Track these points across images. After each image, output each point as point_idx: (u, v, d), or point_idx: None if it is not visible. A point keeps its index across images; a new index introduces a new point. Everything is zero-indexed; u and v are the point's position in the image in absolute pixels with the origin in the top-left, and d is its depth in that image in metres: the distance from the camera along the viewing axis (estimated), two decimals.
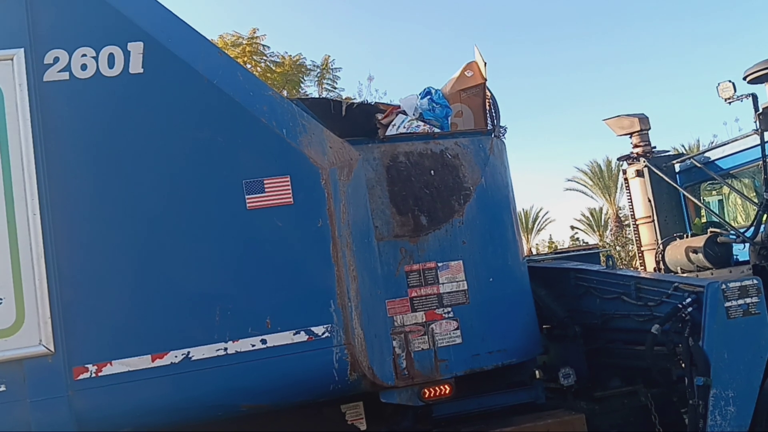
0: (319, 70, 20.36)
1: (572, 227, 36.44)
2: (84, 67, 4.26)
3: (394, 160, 5.07)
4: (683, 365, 4.92)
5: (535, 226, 38.25)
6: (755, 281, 4.98)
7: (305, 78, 20.22)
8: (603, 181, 33.87)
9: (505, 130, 5.86)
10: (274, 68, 19.52)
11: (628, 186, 8.31)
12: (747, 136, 6.98)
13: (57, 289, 4.05)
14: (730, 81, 6.30)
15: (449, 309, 4.95)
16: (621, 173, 8.69)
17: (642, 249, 8.26)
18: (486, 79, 5.77)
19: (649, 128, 8.12)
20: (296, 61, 19.90)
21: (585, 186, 34.89)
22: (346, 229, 4.53)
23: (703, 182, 7.89)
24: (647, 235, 8.12)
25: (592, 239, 34.67)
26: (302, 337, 4.31)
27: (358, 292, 4.51)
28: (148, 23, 4.38)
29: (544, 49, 59.20)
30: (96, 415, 4.06)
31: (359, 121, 5.45)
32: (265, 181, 4.39)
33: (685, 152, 13.00)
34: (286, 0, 48.37)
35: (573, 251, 8.49)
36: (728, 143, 7.43)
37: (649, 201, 7.98)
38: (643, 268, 8.18)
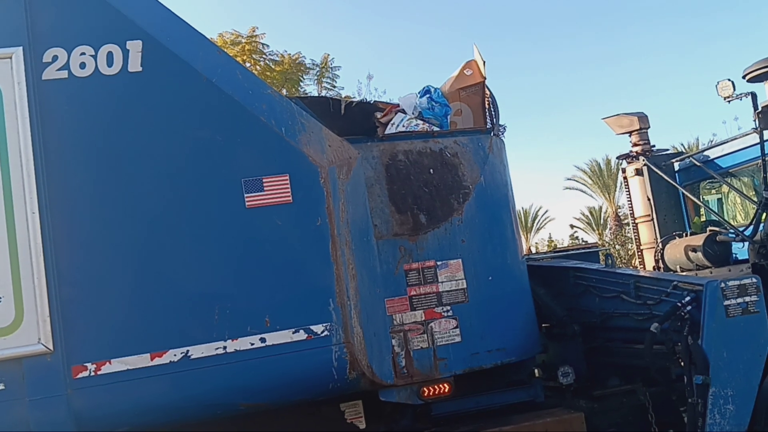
0: (318, 69, 20.38)
1: (572, 226, 36.48)
2: (83, 65, 4.25)
3: (393, 159, 5.07)
4: (682, 364, 4.92)
5: (535, 224, 38.26)
6: (754, 280, 4.98)
7: (304, 76, 20.24)
8: (602, 179, 33.87)
9: (504, 128, 5.86)
10: (273, 67, 19.53)
11: (628, 185, 8.31)
12: (746, 134, 6.98)
13: (56, 288, 4.05)
14: (729, 79, 6.29)
15: (448, 308, 4.95)
16: (620, 172, 8.69)
17: (641, 248, 8.26)
18: (485, 78, 5.78)
19: (649, 127, 8.12)
20: (295, 59, 19.91)
21: (584, 185, 34.92)
22: (345, 227, 4.53)
23: (702, 181, 7.89)
24: (646, 233, 8.12)
25: (592, 238, 34.70)
26: (301, 335, 4.31)
27: (357, 290, 4.51)
28: (146, 22, 4.38)
29: (543, 48, 59.22)
30: (95, 413, 4.06)
31: (358, 120, 5.45)
32: (264, 180, 4.39)
33: (684, 151, 13.02)
34: None
35: (572, 250, 8.49)
36: (727, 142, 7.43)
37: (649, 200, 7.98)
38: (642, 266, 8.17)
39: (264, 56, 19.70)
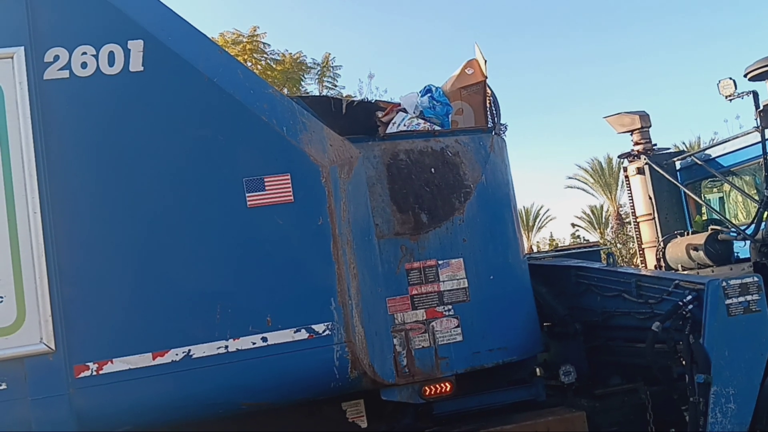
0: (319, 68, 20.39)
1: (573, 225, 36.47)
2: (84, 65, 4.26)
3: (394, 158, 5.07)
4: (684, 363, 4.92)
5: (536, 223, 38.27)
6: (756, 278, 4.97)
7: (306, 76, 20.25)
8: (604, 178, 33.86)
9: (505, 127, 5.86)
10: (274, 66, 19.54)
11: (629, 183, 8.31)
12: (748, 133, 6.97)
13: (58, 287, 4.05)
14: (730, 78, 6.29)
15: (450, 307, 4.95)
16: (622, 171, 8.68)
17: (643, 246, 8.25)
18: (486, 77, 5.77)
19: (650, 125, 8.11)
20: (297, 58, 19.92)
21: (586, 183, 34.92)
22: (346, 227, 4.53)
23: (703, 179, 7.88)
24: (648, 232, 8.11)
25: (593, 237, 34.70)
26: (303, 335, 4.31)
27: (358, 290, 4.51)
28: (148, 21, 4.38)
29: (544, 47, 59.19)
30: (97, 413, 4.07)
31: (360, 119, 5.45)
32: (265, 179, 4.39)
33: (685, 149, 12.99)
34: None
35: (574, 249, 8.48)
36: (729, 140, 7.42)
37: (650, 198, 7.97)
38: (643, 265, 8.17)
39: (265, 55, 19.72)
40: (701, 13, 54.65)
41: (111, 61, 4.29)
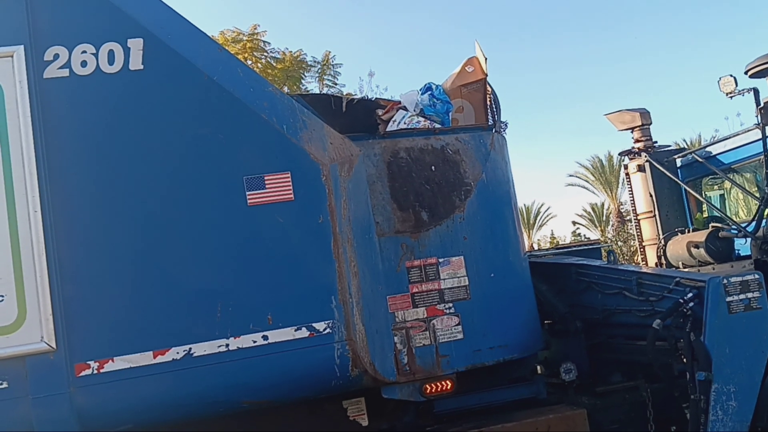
0: (319, 66, 20.40)
1: (574, 222, 36.55)
2: (84, 63, 4.25)
3: (394, 156, 5.07)
4: (685, 360, 4.92)
5: (537, 221, 38.30)
6: (757, 276, 4.97)
7: (306, 74, 20.26)
8: (604, 176, 33.86)
9: (506, 125, 5.85)
10: (274, 64, 19.55)
11: (630, 181, 8.29)
12: (748, 130, 6.96)
13: (58, 286, 4.05)
14: (731, 75, 6.27)
15: (450, 305, 4.95)
16: (622, 168, 8.67)
17: (643, 244, 8.24)
18: (487, 75, 5.77)
19: (651, 123, 8.09)
20: (297, 57, 19.92)
21: (586, 181, 34.92)
22: (346, 225, 4.53)
23: (704, 177, 7.87)
24: (649, 230, 8.10)
25: (594, 234, 34.76)
26: (303, 333, 4.32)
27: (359, 288, 4.51)
28: (147, 20, 4.38)
29: (544, 45, 59.18)
30: (98, 411, 4.07)
31: (360, 117, 5.45)
32: (265, 178, 4.39)
33: (686, 147, 12.99)
34: None
35: (574, 246, 8.47)
36: (730, 138, 7.40)
37: (651, 196, 7.96)
38: (644, 263, 8.17)
39: (265, 54, 19.73)
40: (703, 11, 54.63)
41: (111, 59, 4.28)
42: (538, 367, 5.67)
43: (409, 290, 4.90)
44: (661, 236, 7.61)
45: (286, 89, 17.27)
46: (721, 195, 8.08)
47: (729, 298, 4.84)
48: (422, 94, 5.56)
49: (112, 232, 4.21)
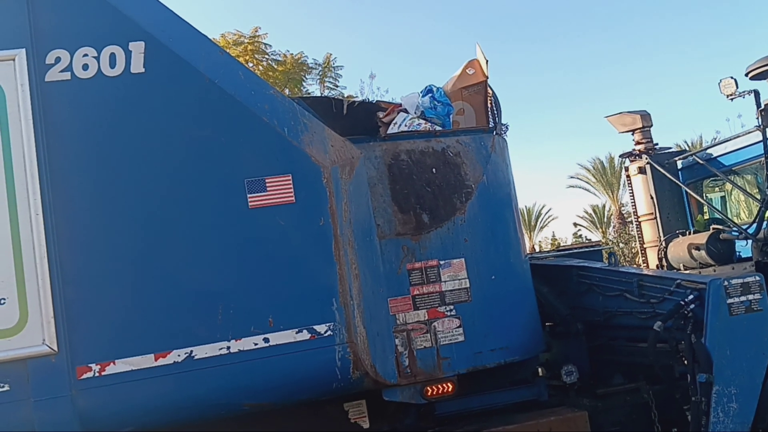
0: (320, 69, 20.41)
1: (575, 224, 36.52)
2: (85, 67, 4.26)
3: (395, 159, 5.07)
4: (686, 362, 4.92)
5: (538, 223, 38.28)
6: (758, 278, 4.97)
7: (307, 76, 20.27)
8: (605, 178, 33.86)
9: (506, 127, 5.86)
10: (275, 67, 19.56)
11: (631, 183, 8.30)
12: (749, 132, 6.96)
13: (60, 289, 4.06)
14: (732, 77, 6.28)
15: (451, 307, 4.95)
16: (623, 170, 8.67)
17: (644, 246, 8.25)
18: (487, 77, 5.77)
19: (651, 125, 8.10)
20: (298, 59, 19.93)
21: (588, 183, 34.92)
22: (347, 227, 4.53)
23: (705, 179, 7.87)
24: (650, 232, 8.10)
25: (595, 236, 34.72)
26: (305, 335, 4.32)
27: (360, 290, 4.51)
28: (149, 23, 4.38)
29: (545, 46, 59.19)
30: (99, 414, 4.07)
31: (361, 120, 5.45)
32: (266, 180, 4.40)
33: (687, 149, 12.97)
34: None
35: (576, 248, 8.48)
36: (730, 140, 7.41)
37: (652, 198, 7.97)
38: (645, 265, 8.17)
39: (266, 56, 19.74)
40: (703, 12, 54.64)
41: (112, 62, 4.29)
42: (539, 369, 5.65)
43: (410, 292, 4.90)
44: (662, 238, 7.61)
45: (287, 92, 17.29)
46: (721, 197, 8.09)
47: (730, 300, 4.84)
48: (423, 96, 5.57)
49: (114, 235, 4.21)
